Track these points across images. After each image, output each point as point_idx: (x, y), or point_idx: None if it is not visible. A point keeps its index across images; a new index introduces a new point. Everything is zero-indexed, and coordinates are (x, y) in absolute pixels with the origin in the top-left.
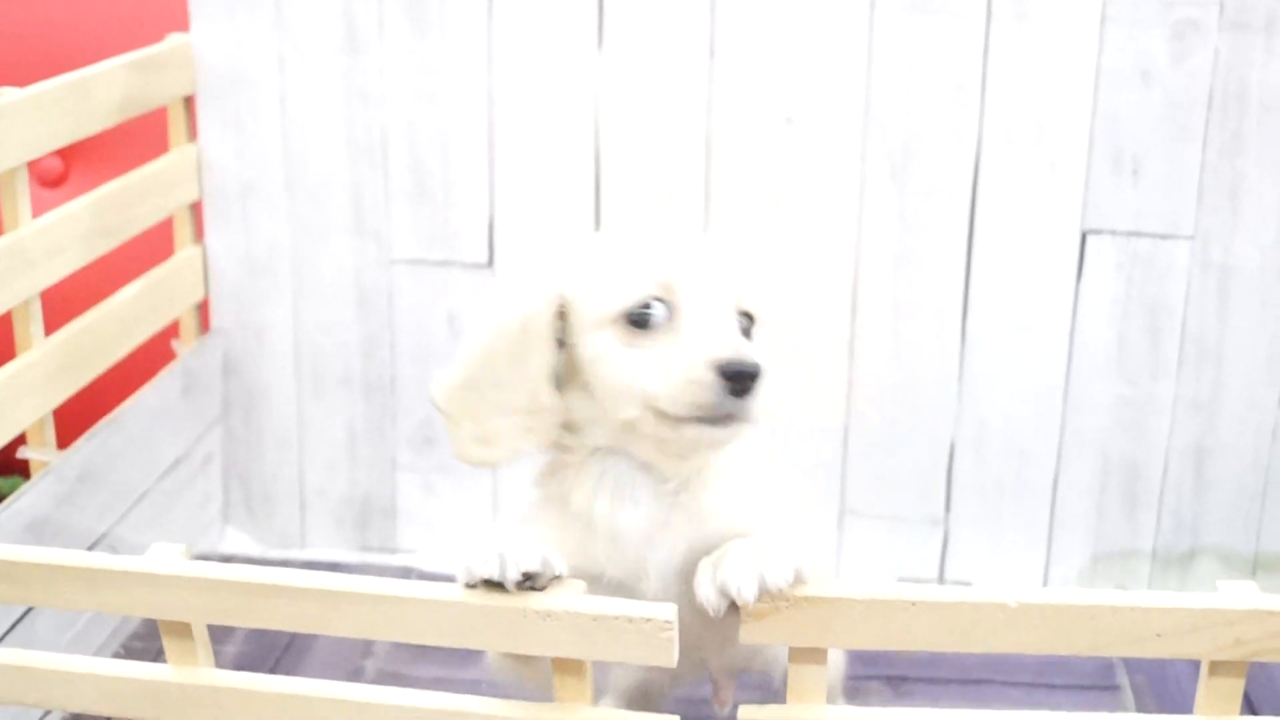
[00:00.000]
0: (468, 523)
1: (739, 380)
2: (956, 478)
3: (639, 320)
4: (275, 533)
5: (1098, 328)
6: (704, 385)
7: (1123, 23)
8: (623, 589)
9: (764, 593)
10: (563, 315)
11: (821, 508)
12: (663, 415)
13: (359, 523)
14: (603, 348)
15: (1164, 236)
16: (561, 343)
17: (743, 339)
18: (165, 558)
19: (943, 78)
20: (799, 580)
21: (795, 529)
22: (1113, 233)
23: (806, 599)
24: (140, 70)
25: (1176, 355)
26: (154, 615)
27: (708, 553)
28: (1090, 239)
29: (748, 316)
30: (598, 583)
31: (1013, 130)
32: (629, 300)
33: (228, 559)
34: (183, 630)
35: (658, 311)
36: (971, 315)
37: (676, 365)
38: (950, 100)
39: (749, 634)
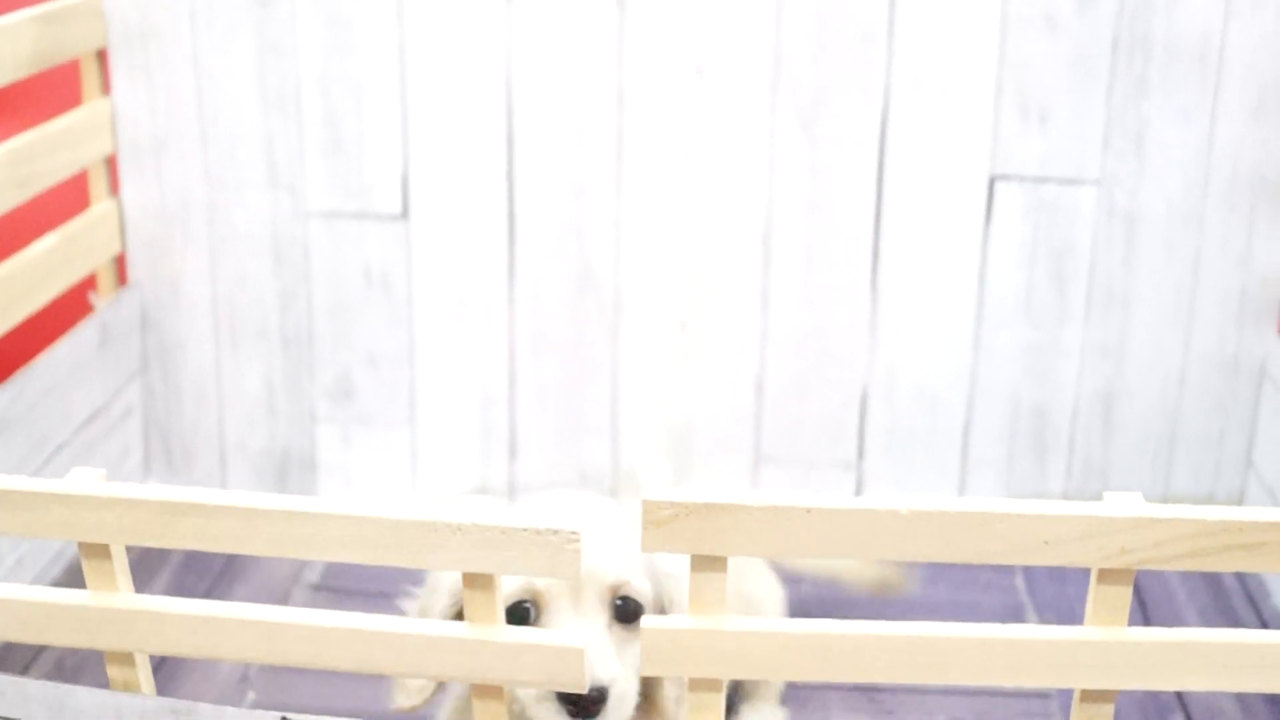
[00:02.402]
0: (386, 475)
1: (578, 705)
2: (869, 424)
3: (512, 616)
4: (195, 485)
5: (1006, 274)
6: (548, 709)
7: None
8: None
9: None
10: None
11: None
12: None
13: (279, 475)
14: None
15: (1070, 182)
16: None
17: (603, 636)
18: (84, 479)
19: (851, 27)
20: None
21: None
22: (1020, 179)
23: (706, 506)
24: (51, 23)
25: (1084, 301)
26: (73, 537)
27: None
28: (998, 185)
29: (628, 600)
30: None
31: (920, 79)
32: (504, 598)
33: None
34: (102, 552)
35: (528, 610)
36: (882, 263)
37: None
38: (859, 49)
39: (649, 542)
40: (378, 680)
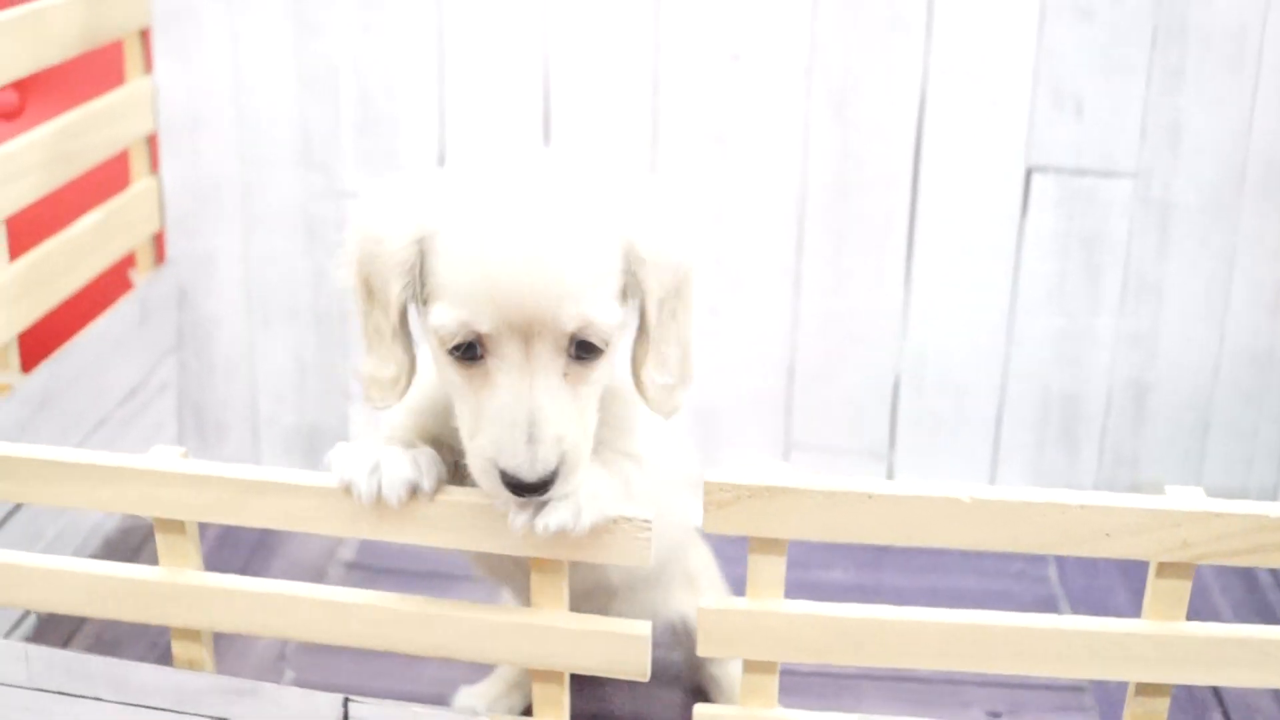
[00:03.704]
0: None
1: (523, 490)
2: (900, 411)
3: (457, 350)
4: (228, 459)
5: (1040, 263)
6: (491, 482)
7: None
8: None
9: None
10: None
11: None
12: None
13: (309, 450)
14: (431, 336)
15: (1106, 173)
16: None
17: (558, 395)
18: (164, 455)
19: (887, 14)
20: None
21: (635, 488)
22: (1056, 170)
23: (766, 488)
24: (96, 2)
25: (1118, 291)
26: (150, 512)
27: None
28: (1034, 176)
29: (590, 340)
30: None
31: (957, 67)
32: (440, 329)
33: None
34: (176, 528)
35: (474, 348)
36: (916, 251)
37: (476, 442)
38: (895, 37)
39: (711, 524)
40: (414, 659)
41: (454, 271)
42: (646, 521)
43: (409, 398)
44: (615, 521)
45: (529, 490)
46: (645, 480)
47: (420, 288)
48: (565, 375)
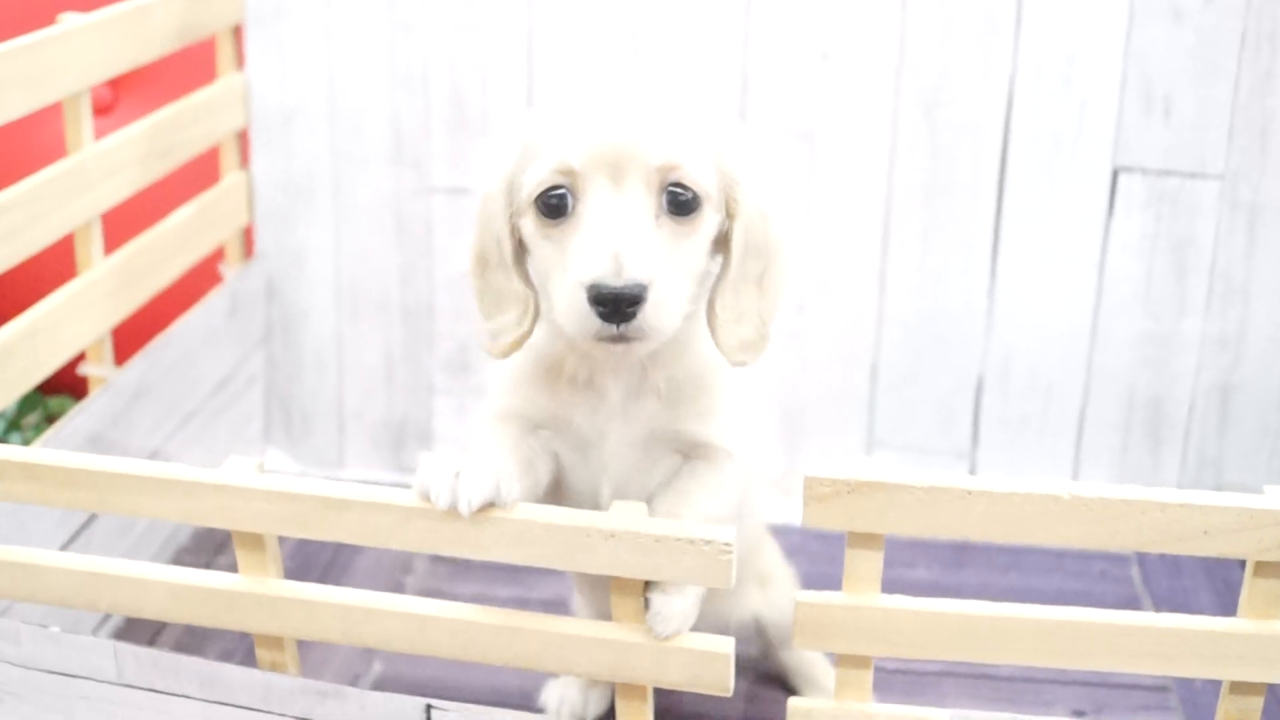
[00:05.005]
0: None
1: (611, 306)
2: (984, 411)
3: (548, 208)
4: (313, 453)
5: (1126, 264)
6: (579, 312)
7: None
8: (584, 444)
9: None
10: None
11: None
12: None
13: (395, 444)
14: (528, 235)
15: (1193, 175)
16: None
17: (646, 227)
18: (242, 470)
19: (976, 14)
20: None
21: (721, 497)
22: (1143, 171)
23: (865, 483)
24: (192, 0)
25: (1204, 293)
26: (229, 525)
27: (663, 432)
28: (1121, 176)
29: (683, 188)
30: (567, 432)
31: (1045, 67)
32: (533, 186)
33: None
34: (256, 542)
35: (564, 198)
36: (1001, 250)
37: (565, 284)
38: (984, 37)
39: (810, 517)
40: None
41: (542, 135)
42: (728, 545)
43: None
44: (694, 542)
45: (616, 310)
46: (735, 480)
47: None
48: (657, 221)
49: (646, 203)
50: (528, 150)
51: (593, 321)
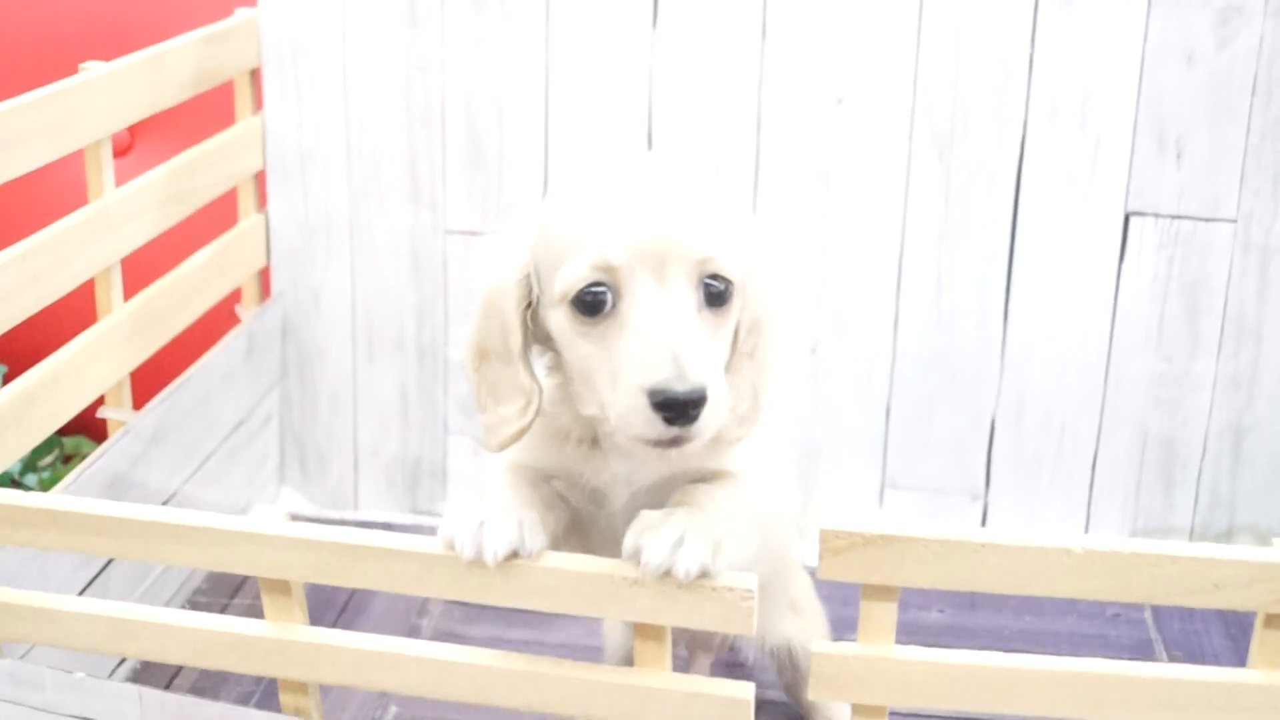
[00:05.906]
0: None
1: (674, 409)
2: (997, 452)
3: (586, 306)
4: (329, 493)
5: (1139, 306)
6: (641, 416)
7: (1168, 5)
8: (596, 496)
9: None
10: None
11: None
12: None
13: (410, 484)
14: (558, 329)
15: (1206, 219)
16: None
17: (696, 325)
18: (268, 518)
19: (990, 59)
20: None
21: (739, 505)
22: (1155, 215)
23: (880, 537)
24: (211, 44)
25: (1217, 335)
26: (255, 573)
27: (674, 478)
28: (1133, 220)
29: (719, 280)
30: (575, 488)
31: (1058, 111)
32: (569, 283)
33: None
34: (282, 588)
35: (603, 295)
36: (1014, 292)
37: (618, 386)
38: (997, 80)
39: (826, 570)
40: None
41: (574, 230)
42: (750, 591)
43: (517, 451)
44: (716, 589)
45: (680, 412)
46: (752, 493)
47: (539, 304)
48: (700, 315)
49: (690, 298)
50: (552, 244)
51: (656, 425)
